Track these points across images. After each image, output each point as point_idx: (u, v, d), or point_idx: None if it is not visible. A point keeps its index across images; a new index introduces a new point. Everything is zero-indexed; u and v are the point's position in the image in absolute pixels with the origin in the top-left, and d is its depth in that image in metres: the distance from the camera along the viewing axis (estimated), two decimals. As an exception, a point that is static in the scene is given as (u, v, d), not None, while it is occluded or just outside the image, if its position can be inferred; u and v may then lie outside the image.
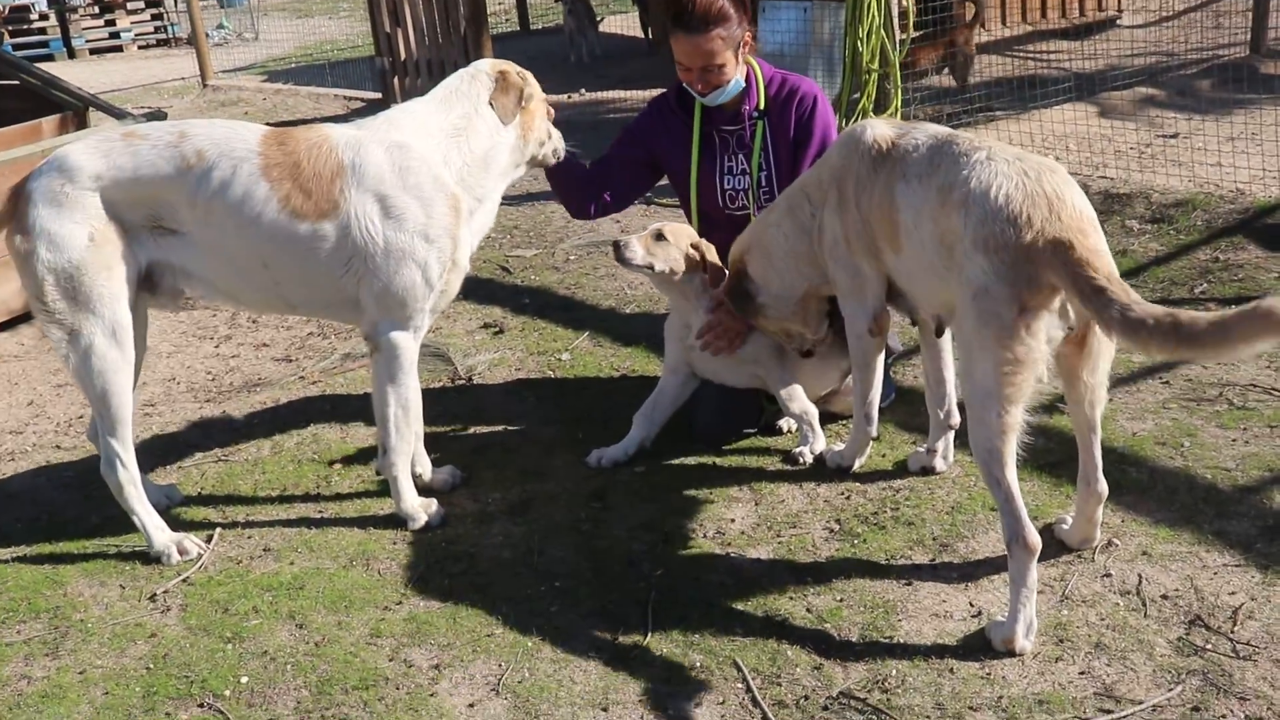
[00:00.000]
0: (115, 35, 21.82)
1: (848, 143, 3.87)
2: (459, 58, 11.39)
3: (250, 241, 3.95)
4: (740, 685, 3.27)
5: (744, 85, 4.55)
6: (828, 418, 4.67)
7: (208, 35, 16.30)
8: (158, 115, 6.79)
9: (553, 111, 4.42)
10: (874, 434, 4.27)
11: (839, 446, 4.39)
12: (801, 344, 4.43)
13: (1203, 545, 3.68)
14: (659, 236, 4.43)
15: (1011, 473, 3.29)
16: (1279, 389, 4.60)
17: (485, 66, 4.23)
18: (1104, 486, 3.59)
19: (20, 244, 3.92)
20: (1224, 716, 2.99)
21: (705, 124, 4.66)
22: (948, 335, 4.07)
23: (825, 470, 4.35)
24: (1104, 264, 3.09)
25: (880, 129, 3.77)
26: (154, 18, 22.56)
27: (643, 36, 15.61)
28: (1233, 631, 3.29)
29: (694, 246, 4.46)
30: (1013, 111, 8.97)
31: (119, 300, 3.95)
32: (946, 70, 9.63)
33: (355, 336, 6.13)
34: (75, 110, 6.81)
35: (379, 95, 12.73)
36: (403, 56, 12.25)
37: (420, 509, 4.22)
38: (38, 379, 6.08)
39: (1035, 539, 3.25)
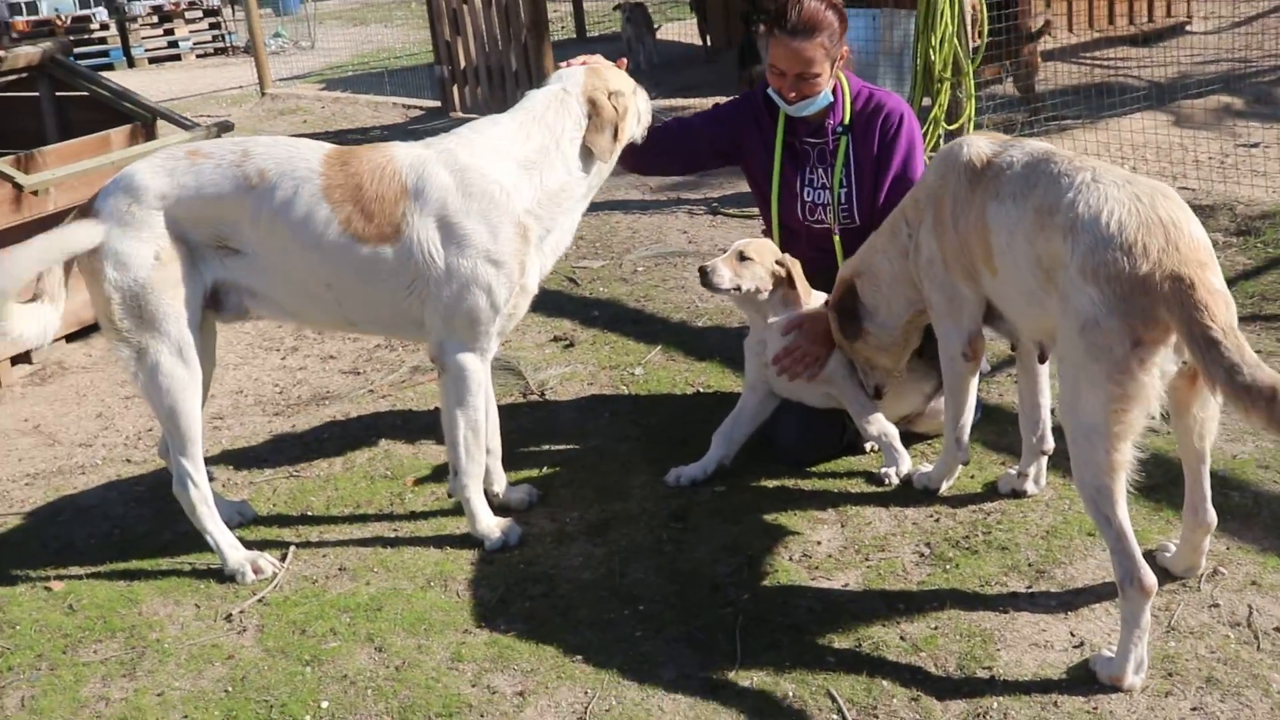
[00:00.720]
0: (174, 45, 21.99)
1: (945, 160, 3.74)
2: (520, 66, 11.36)
3: (312, 263, 3.89)
4: (835, 717, 3.16)
5: (831, 99, 4.45)
6: (913, 438, 4.54)
7: (265, 44, 16.33)
8: (225, 126, 6.75)
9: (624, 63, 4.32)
10: (965, 458, 4.14)
11: (926, 467, 4.27)
12: (879, 379, 4.31)
13: (1315, 575, 3.54)
14: (742, 257, 4.32)
15: (1123, 510, 3.15)
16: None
17: (577, 90, 4.03)
18: (1213, 517, 3.44)
19: (89, 262, 3.88)
20: (1351, 759, 2.85)
21: (788, 134, 4.56)
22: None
23: (912, 491, 4.22)
24: (1222, 310, 2.94)
25: (978, 146, 3.64)
26: (211, 27, 22.73)
27: (700, 44, 15.51)
28: (1353, 667, 3.15)
29: (779, 263, 4.35)
30: (1085, 120, 8.80)
31: (185, 319, 3.90)
32: (1010, 79, 9.43)
33: (424, 349, 6.06)
34: (144, 121, 6.79)
35: (438, 103, 12.71)
36: (462, 64, 12.23)
37: (496, 528, 4.14)
38: (106, 390, 6.05)
39: (1151, 580, 3.11)
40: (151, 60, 21.69)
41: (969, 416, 4.07)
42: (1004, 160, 3.49)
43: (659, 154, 4.61)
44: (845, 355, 4.32)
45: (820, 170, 4.54)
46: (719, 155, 4.77)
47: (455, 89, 12.39)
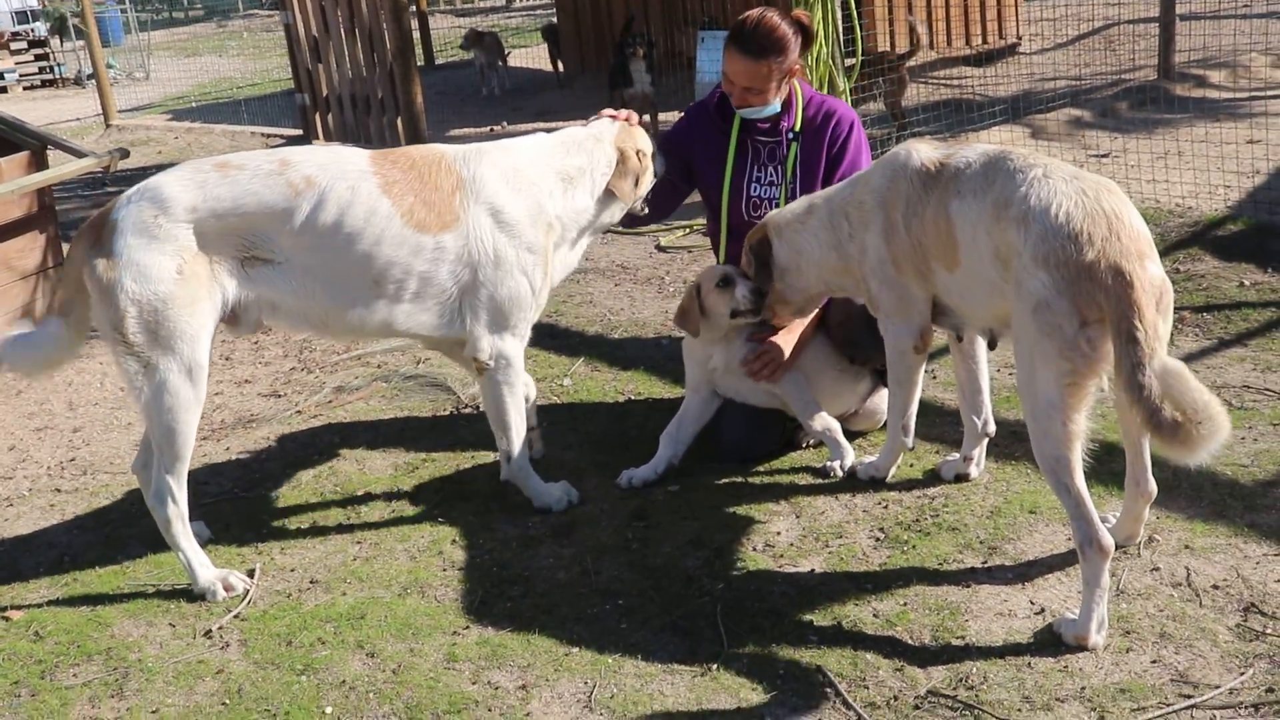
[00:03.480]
0: (-1, 76, 21.32)
1: (893, 167, 3.95)
2: (386, 93, 11.39)
3: (366, 260, 4.02)
4: (829, 690, 3.35)
5: (779, 109, 4.69)
6: (848, 435, 4.77)
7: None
8: (122, 152, 6.67)
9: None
10: (910, 445, 4.39)
11: (869, 459, 4.50)
12: (759, 315, 4.49)
13: (1240, 537, 3.87)
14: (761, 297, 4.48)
15: (1080, 479, 3.42)
16: (1271, 389, 4.85)
17: (609, 137, 4.41)
18: (1153, 487, 3.74)
19: (105, 273, 3.85)
20: (1301, 695, 3.15)
21: (742, 131, 4.80)
22: (982, 347, 4.22)
23: (859, 482, 4.45)
24: (1151, 310, 3.22)
25: (925, 151, 3.88)
26: (38, 59, 22.07)
27: (552, 70, 15.72)
28: (1288, 616, 3.47)
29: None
30: (949, 134, 9.25)
31: (200, 338, 3.92)
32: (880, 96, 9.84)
33: (343, 369, 6.10)
34: (34, 150, 6.66)
35: (299, 131, 12.62)
36: (324, 92, 12.18)
37: (559, 491, 4.46)
38: (13, 423, 5.93)
39: (1109, 541, 3.38)
40: (-25, 93, 20.99)
41: (914, 406, 4.31)
42: (959, 161, 3.74)
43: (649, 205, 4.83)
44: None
45: (771, 168, 4.77)
46: (684, 183, 4.99)
47: (317, 117, 12.34)
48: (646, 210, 4.69)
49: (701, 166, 4.90)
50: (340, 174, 4.00)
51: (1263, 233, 6.56)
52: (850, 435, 4.76)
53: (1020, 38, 14.19)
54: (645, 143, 4.53)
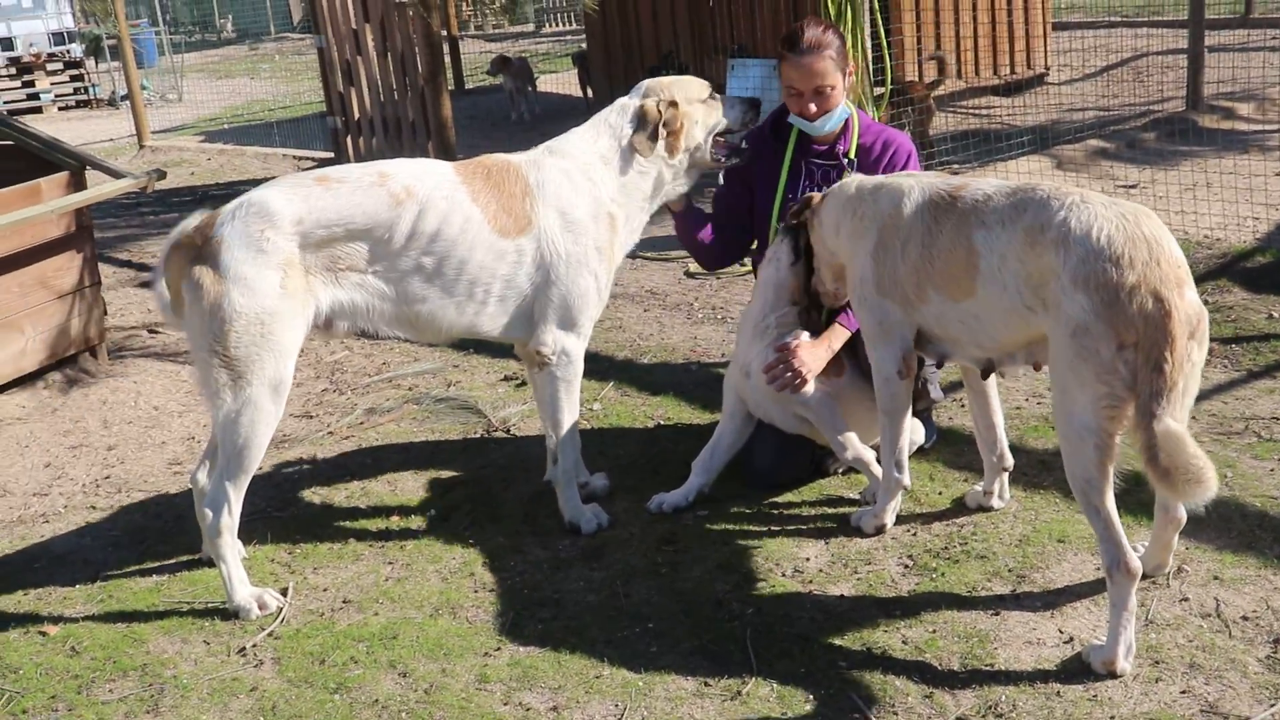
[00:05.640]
0: (34, 97, 21.55)
1: (898, 192, 3.98)
2: (417, 116, 11.49)
3: (460, 266, 4.18)
4: (858, 715, 3.37)
5: (848, 116, 4.78)
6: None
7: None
8: (159, 174, 6.75)
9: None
10: (906, 483, 4.31)
11: (867, 508, 4.43)
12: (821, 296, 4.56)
13: (1269, 569, 3.88)
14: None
15: (1110, 501, 3.43)
16: (1301, 421, 4.86)
17: (636, 100, 4.52)
18: (1183, 514, 3.75)
19: (211, 286, 3.90)
20: (1333, 727, 3.16)
21: (797, 152, 4.86)
22: (993, 383, 4.24)
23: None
24: (1183, 342, 3.25)
25: (935, 183, 3.91)
26: (73, 79, 22.32)
27: (582, 96, 15.83)
28: (1318, 648, 3.47)
29: None
30: (976, 164, 9.28)
31: (291, 354, 4.02)
32: (907, 125, 9.88)
33: (374, 391, 6.16)
34: (73, 170, 6.75)
35: (331, 154, 12.73)
36: (356, 115, 12.29)
37: (590, 512, 4.51)
38: (48, 441, 6.00)
39: (1137, 564, 3.40)
40: (11, 113, 21.06)
41: (906, 439, 4.28)
42: (975, 194, 3.76)
43: (720, 245, 5.03)
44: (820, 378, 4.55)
45: (822, 190, 4.80)
46: (749, 208, 5.01)
47: (349, 140, 12.45)
48: (734, 159, 4.67)
49: (759, 186, 4.93)
50: (436, 184, 4.15)
51: (1291, 265, 6.58)
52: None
53: (1048, 68, 14.20)
54: (680, 91, 4.54)
